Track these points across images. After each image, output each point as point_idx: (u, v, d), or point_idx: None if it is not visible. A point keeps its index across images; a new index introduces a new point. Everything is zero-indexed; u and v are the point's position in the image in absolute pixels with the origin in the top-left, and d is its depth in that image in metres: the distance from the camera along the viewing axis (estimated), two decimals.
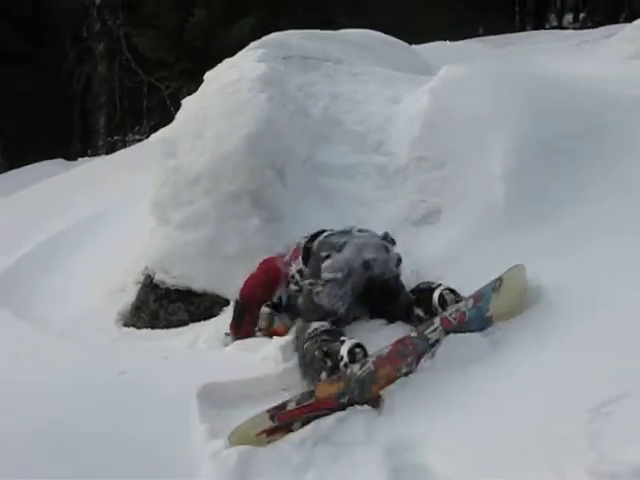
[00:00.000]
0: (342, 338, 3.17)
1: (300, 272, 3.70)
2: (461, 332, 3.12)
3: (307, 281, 3.53)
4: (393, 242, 3.59)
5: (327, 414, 2.86)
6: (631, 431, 2.24)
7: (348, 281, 3.40)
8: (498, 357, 2.97)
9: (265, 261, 4.00)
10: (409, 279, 3.75)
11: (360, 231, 3.59)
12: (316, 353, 3.17)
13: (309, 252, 3.62)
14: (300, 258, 3.69)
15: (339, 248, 3.43)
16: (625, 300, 2.95)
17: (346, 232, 3.58)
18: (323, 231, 3.69)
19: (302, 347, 3.30)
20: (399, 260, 3.56)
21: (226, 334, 3.99)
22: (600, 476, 2.09)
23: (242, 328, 3.89)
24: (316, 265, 3.48)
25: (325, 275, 3.40)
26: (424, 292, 3.45)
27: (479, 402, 2.75)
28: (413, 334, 3.10)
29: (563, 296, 3.18)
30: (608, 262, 3.33)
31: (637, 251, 3.32)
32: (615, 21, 15.10)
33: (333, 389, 2.92)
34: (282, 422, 2.84)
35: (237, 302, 3.97)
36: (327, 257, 3.42)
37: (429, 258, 3.95)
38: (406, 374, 3.02)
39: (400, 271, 3.58)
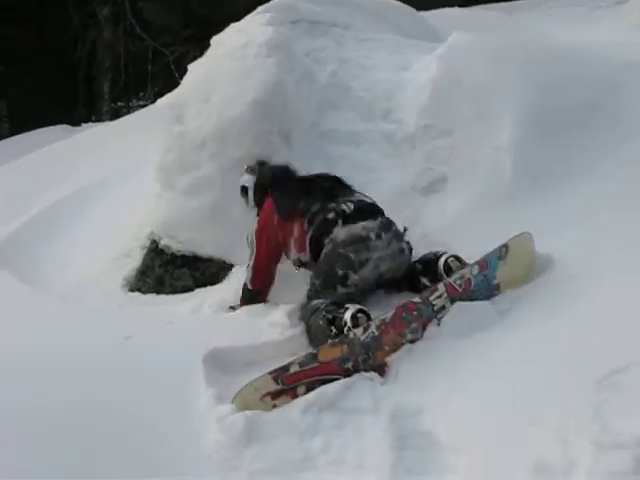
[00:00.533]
0: (346, 305, 3.16)
1: (304, 263, 3.65)
2: (468, 300, 3.11)
3: (316, 281, 3.45)
4: (405, 230, 3.50)
5: (332, 380, 2.87)
6: (636, 402, 2.24)
7: (359, 291, 3.39)
8: (505, 325, 2.96)
9: (262, 235, 3.81)
10: (416, 246, 3.74)
11: (378, 237, 3.34)
12: (320, 322, 3.19)
13: (318, 244, 3.49)
14: (307, 250, 3.58)
15: (357, 269, 3.32)
16: (630, 273, 2.93)
17: (364, 240, 3.33)
18: (331, 203, 3.51)
19: (307, 319, 3.31)
20: (411, 254, 3.50)
21: (231, 307, 3.96)
22: (604, 447, 2.09)
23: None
24: (330, 278, 3.37)
25: (340, 289, 3.34)
26: (430, 261, 3.43)
27: (486, 370, 2.74)
28: (416, 299, 3.09)
29: (569, 267, 3.16)
30: (614, 235, 3.33)
31: None
32: None
33: (336, 352, 2.93)
34: (286, 385, 2.85)
35: (249, 289, 3.86)
36: (344, 276, 3.33)
37: (436, 226, 3.94)
38: (412, 341, 3.02)
39: (410, 261, 3.51)
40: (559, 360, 2.62)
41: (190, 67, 5.24)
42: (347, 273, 3.32)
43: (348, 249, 3.33)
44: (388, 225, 3.44)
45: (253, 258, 3.83)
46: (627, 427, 2.13)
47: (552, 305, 2.96)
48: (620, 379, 2.37)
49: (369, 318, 3.05)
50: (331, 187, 3.70)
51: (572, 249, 3.29)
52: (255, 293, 3.85)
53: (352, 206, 3.50)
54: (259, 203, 3.99)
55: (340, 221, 3.44)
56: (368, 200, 3.63)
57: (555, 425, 2.29)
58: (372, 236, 3.35)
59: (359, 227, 3.38)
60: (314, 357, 2.92)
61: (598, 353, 2.55)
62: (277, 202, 3.79)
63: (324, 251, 3.43)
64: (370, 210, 3.52)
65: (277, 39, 4.85)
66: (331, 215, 3.48)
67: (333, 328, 3.11)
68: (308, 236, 3.55)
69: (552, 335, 2.78)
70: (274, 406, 2.82)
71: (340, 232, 3.40)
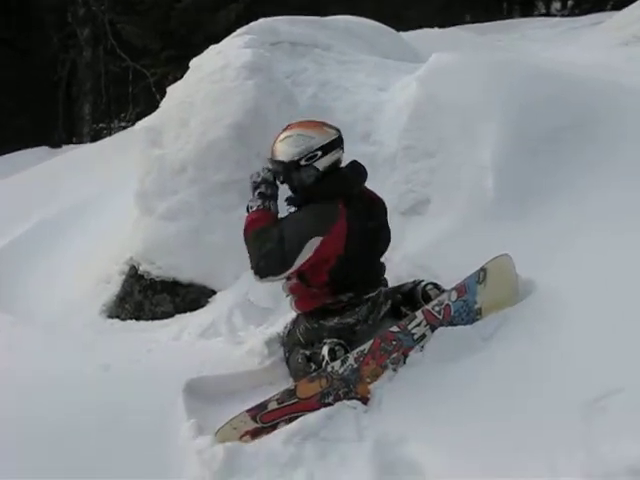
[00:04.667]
0: (324, 340, 3.11)
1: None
2: (449, 326, 3.06)
3: (299, 337, 3.30)
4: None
5: None
6: (625, 427, 2.22)
7: None
8: (490, 350, 2.92)
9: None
10: (398, 269, 3.70)
11: (365, 321, 3.21)
12: (299, 359, 3.15)
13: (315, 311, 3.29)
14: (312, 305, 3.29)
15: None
16: (617, 295, 2.91)
17: (351, 327, 3.19)
18: None
19: (286, 355, 3.28)
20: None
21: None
22: (593, 475, 2.06)
23: None
24: (312, 344, 3.22)
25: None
26: (409, 291, 3.38)
27: (470, 396, 2.70)
28: (394, 329, 3.03)
29: (555, 288, 3.12)
30: (598, 254, 3.30)
31: (626, 244, 3.28)
32: (603, 9, 15.08)
33: (315, 387, 2.87)
34: (266, 423, 2.80)
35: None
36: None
37: (418, 249, 3.90)
38: (394, 370, 2.97)
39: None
40: (545, 385, 2.59)
41: (169, 90, 5.21)
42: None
43: (333, 335, 3.17)
44: (375, 301, 3.27)
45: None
46: (617, 454, 2.10)
47: (536, 329, 2.92)
48: (610, 403, 2.35)
49: (347, 350, 3.00)
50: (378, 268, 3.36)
51: (556, 270, 3.27)
52: None
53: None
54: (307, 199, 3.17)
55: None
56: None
57: (544, 451, 2.27)
58: (360, 320, 3.22)
59: (350, 314, 3.21)
60: (292, 393, 2.86)
61: (584, 378, 2.53)
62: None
63: (312, 325, 3.25)
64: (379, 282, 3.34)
65: (256, 61, 4.82)
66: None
67: (312, 364, 3.07)
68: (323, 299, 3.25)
69: (537, 360, 2.75)
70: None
71: (332, 320, 3.22)
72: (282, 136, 3.16)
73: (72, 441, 2.78)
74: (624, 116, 4.30)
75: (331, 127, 3.19)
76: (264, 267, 2.98)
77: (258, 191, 3.13)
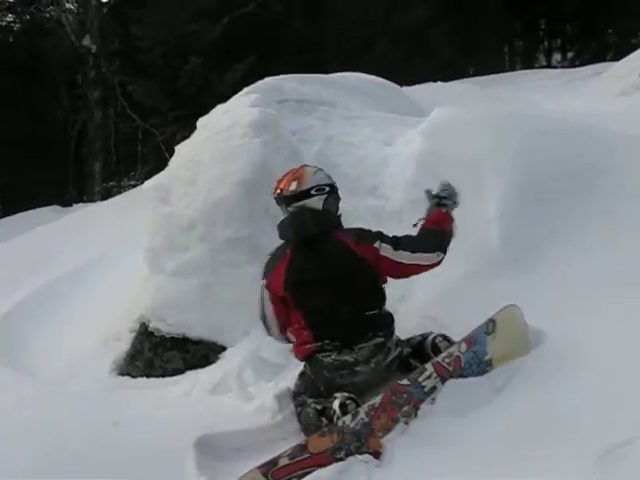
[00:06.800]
0: (335, 394, 3.11)
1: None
2: (462, 377, 3.05)
3: (301, 384, 3.38)
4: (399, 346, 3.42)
5: None
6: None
7: None
8: (501, 402, 2.90)
9: None
10: (407, 321, 3.71)
11: (366, 362, 3.25)
12: (310, 414, 3.15)
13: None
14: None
15: (339, 389, 3.17)
16: (624, 346, 2.91)
17: (350, 366, 3.24)
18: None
19: (297, 410, 3.28)
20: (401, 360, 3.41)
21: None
22: None
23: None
24: (313, 388, 3.29)
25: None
26: (418, 344, 3.38)
27: (483, 449, 2.68)
28: (404, 382, 3.02)
29: (563, 338, 3.12)
30: (606, 304, 3.31)
31: (631, 299, 3.29)
32: (602, 59, 15.33)
33: (327, 442, 2.85)
34: (277, 479, 2.77)
35: None
36: (327, 393, 3.20)
37: (426, 300, 3.91)
38: (405, 423, 2.95)
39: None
40: (559, 436, 2.58)
41: (177, 149, 5.30)
42: (330, 392, 3.19)
43: (333, 374, 3.24)
44: (380, 346, 3.32)
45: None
46: None
47: (548, 380, 2.91)
48: (623, 453, 2.34)
49: (358, 404, 3.00)
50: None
51: (566, 318, 3.27)
52: None
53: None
54: None
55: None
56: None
57: None
58: (360, 360, 3.26)
59: (347, 352, 3.26)
60: (304, 448, 2.85)
61: (599, 428, 2.52)
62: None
63: (313, 365, 3.32)
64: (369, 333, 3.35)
65: (263, 120, 4.90)
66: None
67: (324, 419, 3.06)
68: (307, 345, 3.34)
69: (550, 412, 2.73)
70: None
71: (329, 357, 3.28)
72: None
73: None
74: (622, 165, 4.35)
75: (284, 187, 3.56)
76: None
77: None
